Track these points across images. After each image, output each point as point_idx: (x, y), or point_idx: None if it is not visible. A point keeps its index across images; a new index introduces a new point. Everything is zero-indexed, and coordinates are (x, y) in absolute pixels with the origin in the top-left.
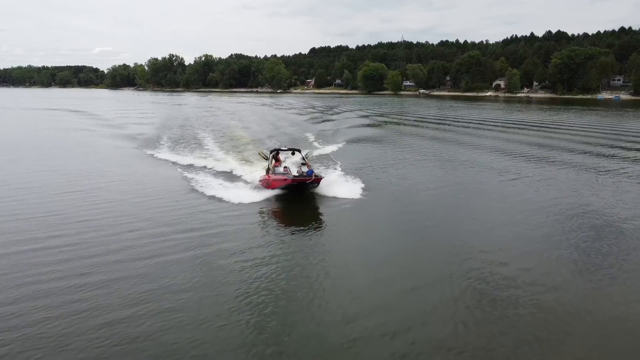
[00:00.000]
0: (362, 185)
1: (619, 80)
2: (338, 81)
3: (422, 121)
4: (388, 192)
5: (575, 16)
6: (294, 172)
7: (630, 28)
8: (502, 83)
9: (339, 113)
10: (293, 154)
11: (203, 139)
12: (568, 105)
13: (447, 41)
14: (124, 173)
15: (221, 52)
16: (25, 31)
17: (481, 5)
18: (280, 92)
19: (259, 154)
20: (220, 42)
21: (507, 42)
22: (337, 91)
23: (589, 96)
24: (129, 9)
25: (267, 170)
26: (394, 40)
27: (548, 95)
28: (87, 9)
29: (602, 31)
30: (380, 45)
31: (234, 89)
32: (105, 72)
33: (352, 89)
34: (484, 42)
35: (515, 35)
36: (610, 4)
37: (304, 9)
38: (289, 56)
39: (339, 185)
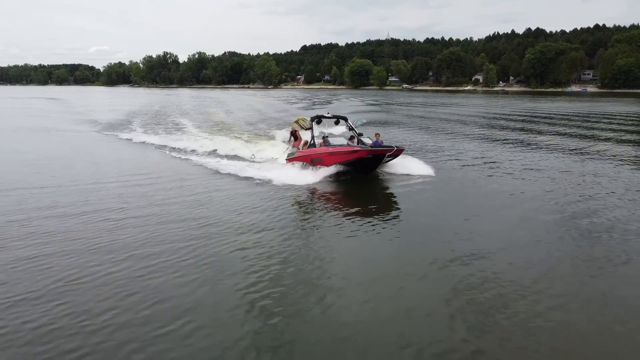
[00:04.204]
0: (430, 162)
1: (588, 74)
2: (327, 77)
3: (412, 106)
4: (461, 172)
5: (568, 14)
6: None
7: (604, 25)
8: (481, 77)
9: (329, 103)
10: (337, 122)
11: (203, 125)
12: (538, 96)
13: (432, 38)
14: (119, 162)
15: (216, 50)
16: (20, 30)
17: (475, 3)
18: (271, 88)
19: (296, 122)
20: (215, 40)
21: (489, 39)
22: (325, 86)
23: (559, 89)
24: (126, 8)
25: (312, 144)
26: (390, 38)
27: (522, 88)
28: (83, 8)
29: (578, 28)
30: (368, 42)
31: (227, 85)
32: (101, 70)
33: (339, 84)
34: (468, 39)
35: (498, 32)
36: (604, 2)
37: (301, 7)
38: (280, 54)
39: (409, 160)
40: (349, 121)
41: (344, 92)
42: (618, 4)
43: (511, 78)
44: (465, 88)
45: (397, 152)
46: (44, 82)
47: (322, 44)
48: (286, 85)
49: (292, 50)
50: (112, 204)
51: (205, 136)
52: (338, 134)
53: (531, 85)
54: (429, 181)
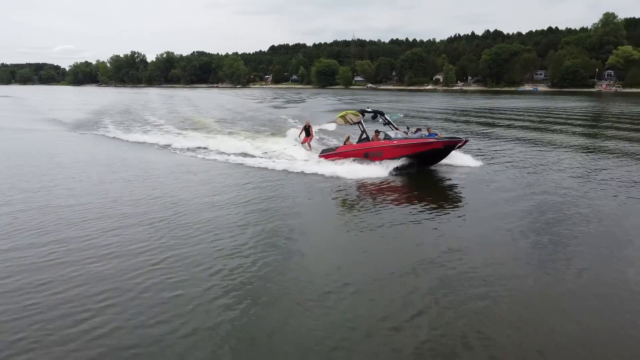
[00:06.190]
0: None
1: (540, 74)
2: (294, 77)
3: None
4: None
5: (535, 15)
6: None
7: (556, 28)
8: (441, 77)
9: (300, 102)
10: (374, 117)
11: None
12: (492, 95)
13: (397, 39)
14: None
15: (185, 49)
16: None
17: (444, 5)
18: (239, 87)
19: (341, 117)
20: (185, 40)
21: (450, 40)
22: (293, 86)
23: (513, 88)
24: (92, 7)
25: (365, 138)
26: (356, 39)
27: (479, 87)
28: (48, 6)
29: (533, 30)
30: (335, 43)
31: (195, 85)
32: (67, 69)
33: (306, 84)
34: (431, 40)
35: (459, 34)
36: (565, 6)
37: (272, 7)
38: (249, 53)
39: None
40: (386, 116)
41: (311, 92)
42: (579, 6)
43: (469, 78)
44: (426, 87)
45: (464, 143)
46: (7, 81)
47: (290, 44)
48: (254, 84)
49: (260, 50)
50: (196, 215)
51: (200, 135)
52: (332, 129)
53: (487, 85)
54: (479, 172)
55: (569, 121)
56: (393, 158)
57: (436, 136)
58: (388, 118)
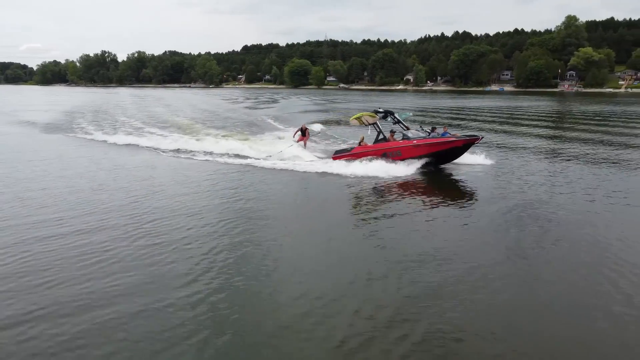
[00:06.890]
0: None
1: (507, 74)
2: (267, 77)
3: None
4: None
5: (502, 17)
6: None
7: (522, 29)
8: (411, 77)
9: (274, 102)
10: (385, 117)
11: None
12: (457, 94)
13: (369, 40)
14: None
15: (157, 49)
16: None
17: (418, 6)
18: (212, 87)
19: (357, 118)
20: (157, 39)
21: (421, 41)
22: (266, 86)
23: (480, 88)
24: (60, 5)
25: (382, 138)
26: (329, 39)
27: (448, 87)
28: (13, 4)
29: (500, 32)
30: (308, 43)
31: (167, 85)
32: (35, 68)
33: (279, 84)
34: (402, 41)
35: (429, 34)
36: (534, 7)
37: (245, 6)
38: (222, 53)
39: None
40: (396, 115)
41: (284, 92)
42: (548, 7)
43: (439, 78)
44: (397, 87)
45: (479, 141)
46: None
47: (263, 44)
48: (227, 84)
49: (233, 50)
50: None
51: (186, 136)
52: (318, 130)
53: (456, 85)
54: (489, 169)
55: (524, 119)
56: (413, 157)
57: (448, 135)
58: (398, 117)
